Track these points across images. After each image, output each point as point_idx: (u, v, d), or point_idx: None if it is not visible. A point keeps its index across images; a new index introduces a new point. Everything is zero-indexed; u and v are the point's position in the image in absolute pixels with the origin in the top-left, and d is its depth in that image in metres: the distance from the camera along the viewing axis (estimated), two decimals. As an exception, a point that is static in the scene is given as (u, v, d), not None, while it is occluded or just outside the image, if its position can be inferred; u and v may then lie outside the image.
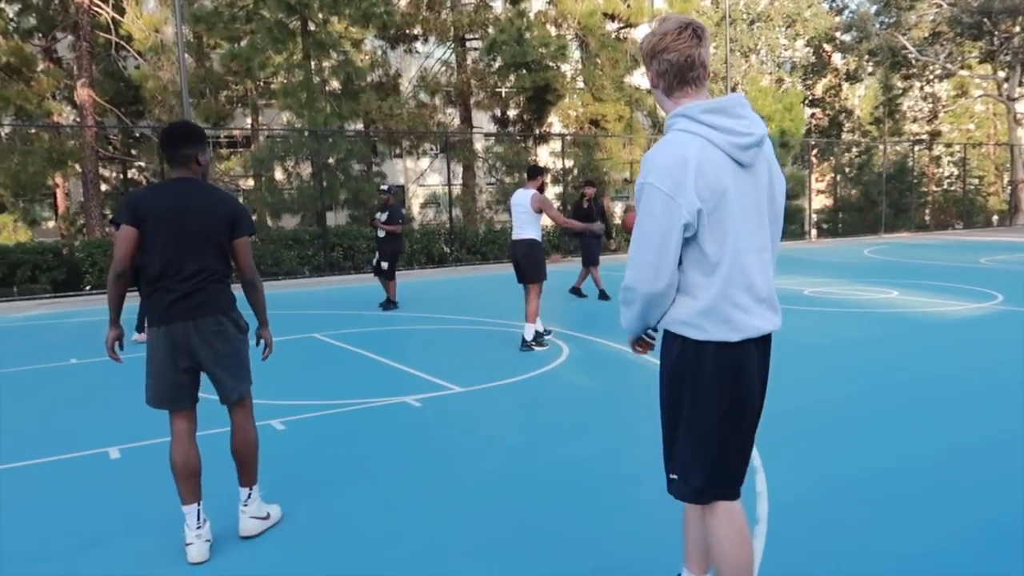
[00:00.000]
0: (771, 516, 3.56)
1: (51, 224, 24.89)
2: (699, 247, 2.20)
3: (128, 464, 4.64)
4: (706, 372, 2.26)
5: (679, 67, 2.24)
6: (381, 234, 11.21)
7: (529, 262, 7.82)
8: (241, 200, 25.92)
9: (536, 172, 8.09)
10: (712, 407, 2.28)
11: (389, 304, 11.39)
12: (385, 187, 11.71)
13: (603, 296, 11.66)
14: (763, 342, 2.34)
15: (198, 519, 3.34)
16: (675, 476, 2.40)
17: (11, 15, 22.50)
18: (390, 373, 6.94)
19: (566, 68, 23.66)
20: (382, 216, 11.21)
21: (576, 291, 12.08)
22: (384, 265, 11.20)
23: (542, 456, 4.58)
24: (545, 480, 4.16)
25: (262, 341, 3.68)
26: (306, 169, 20.22)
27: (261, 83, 22.24)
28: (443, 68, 24.77)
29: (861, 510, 3.63)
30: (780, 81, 34.58)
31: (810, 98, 36.42)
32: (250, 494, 3.57)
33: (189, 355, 3.36)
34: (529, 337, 7.75)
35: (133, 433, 5.21)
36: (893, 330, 8.34)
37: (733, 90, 29.47)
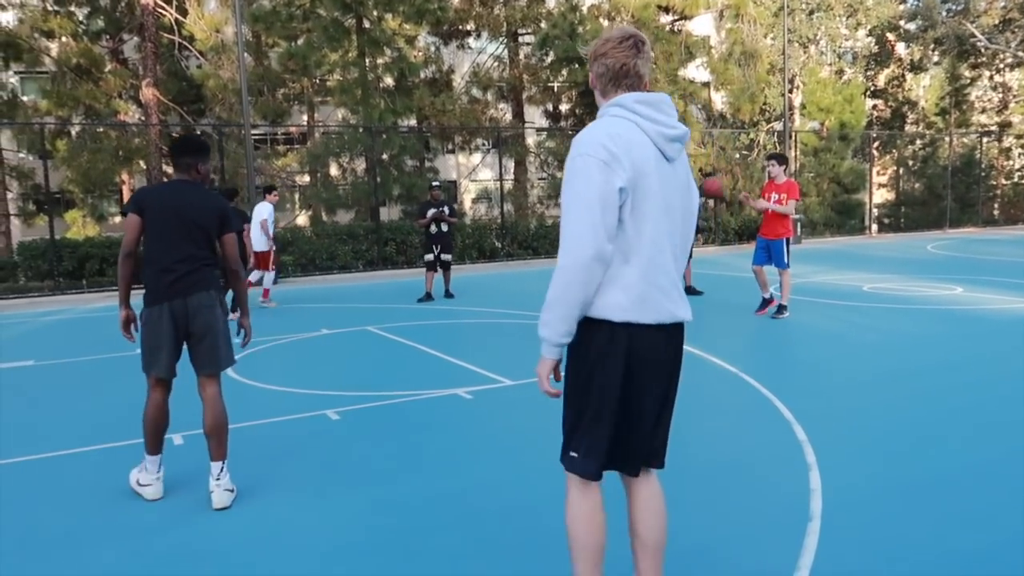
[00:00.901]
0: (824, 513, 3.51)
1: (118, 219, 25.72)
2: (622, 229, 2.27)
3: (189, 449, 4.79)
4: (616, 353, 2.33)
5: (614, 72, 2.39)
6: (445, 228, 11.63)
7: None
8: (297, 196, 26.52)
9: None
10: (615, 387, 2.35)
11: (441, 294, 12.00)
12: (437, 183, 12.01)
13: (691, 292, 11.13)
14: (676, 330, 2.43)
15: (159, 467, 4.04)
16: (575, 454, 2.53)
17: (81, 18, 23.34)
18: (442, 365, 7.01)
19: (619, 62, 23.46)
20: (446, 210, 11.63)
21: (690, 290, 11.21)
22: (449, 257, 11.86)
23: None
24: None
25: (242, 330, 4.12)
26: (360, 165, 20.52)
27: (317, 80, 22.63)
28: (495, 63, 24.82)
29: (917, 510, 3.55)
30: (840, 72, 33.71)
31: (872, 89, 35.43)
32: (222, 467, 3.92)
33: (184, 328, 3.88)
34: None
35: (194, 422, 5.37)
36: (956, 328, 8.09)
37: (791, 82, 28.87)
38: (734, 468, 4.18)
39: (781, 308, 9.09)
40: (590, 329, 2.36)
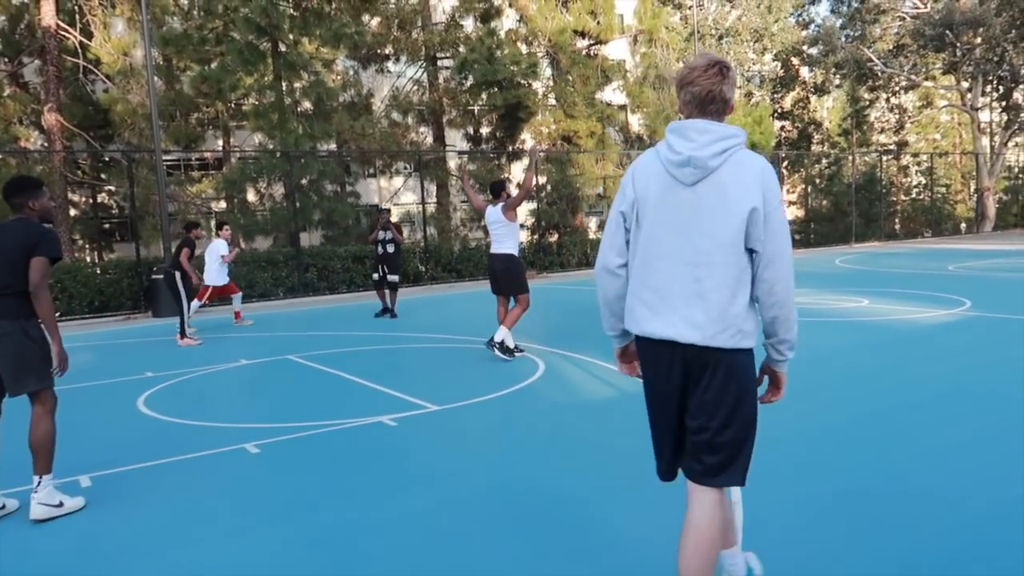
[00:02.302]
0: (746, 531, 3.57)
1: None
2: (629, 248, 2.60)
3: (99, 491, 4.55)
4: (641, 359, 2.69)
5: (700, 99, 2.47)
6: (391, 249, 12.28)
7: (509, 276, 7.96)
8: (212, 223, 25.77)
9: (499, 188, 8.39)
10: (647, 391, 2.68)
11: (389, 313, 12.53)
12: (386, 207, 12.63)
13: None
14: (688, 353, 2.47)
15: None
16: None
17: (-24, 41, 22.27)
18: (365, 393, 6.89)
19: (538, 85, 23.83)
20: (387, 234, 12.30)
21: None
22: (396, 278, 12.44)
23: (520, 473, 4.56)
24: (524, 497, 4.15)
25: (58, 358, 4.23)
26: (279, 190, 20.12)
27: (232, 105, 22.15)
28: (415, 87, 24.84)
29: (840, 522, 3.65)
30: (750, 95, 35.06)
31: (779, 111, 36.94)
32: (39, 482, 4.13)
33: None
34: (498, 339, 7.85)
35: (107, 460, 5.11)
36: (865, 338, 8.44)
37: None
38: (655, 485, 4.21)
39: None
40: None
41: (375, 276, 12.62)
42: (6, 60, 23.47)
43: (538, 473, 4.54)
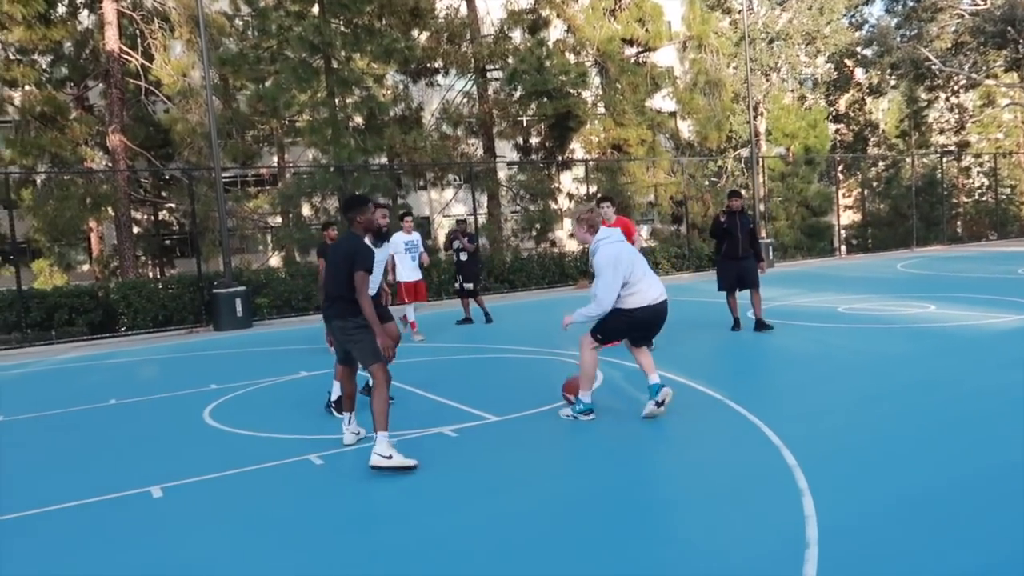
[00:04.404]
0: (821, 540, 3.48)
1: (86, 267, 25.36)
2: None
3: (171, 503, 4.65)
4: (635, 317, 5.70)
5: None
6: (463, 257, 12.55)
7: None
8: (269, 237, 26.21)
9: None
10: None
11: (467, 320, 12.89)
12: (461, 218, 13.56)
13: (760, 326, 9.72)
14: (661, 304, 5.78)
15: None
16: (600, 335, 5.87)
17: (44, 66, 23.16)
18: (425, 404, 6.92)
19: (587, 94, 23.77)
20: (457, 244, 12.60)
21: (761, 324, 9.75)
22: (470, 285, 12.66)
23: (582, 484, 4.52)
24: (588, 509, 4.11)
25: None
26: (332, 204, 20.44)
27: (287, 121, 22.60)
28: (465, 99, 25.01)
29: (913, 530, 3.53)
30: (803, 98, 34.44)
31: (834, 114, 36.22)
32: (377, 437, 4.97)
33: None
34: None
35: (175, 471, 5.23)
36: (932, 345, 8.18)
37: (755, 109, 29.34)
38: (726, 497, 4.14)
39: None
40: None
41: (455, 285, 13.04)
42: (72, 84, 24.36)
43: (600, 485, 4.49)
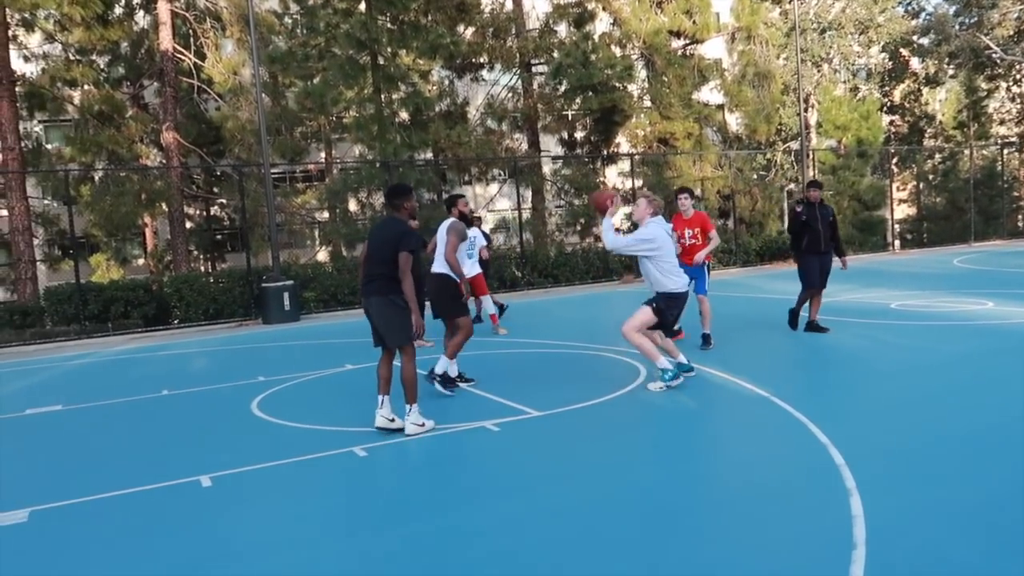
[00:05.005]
0: (869, 540, 3.40)
1: (140, 261, 26.04)
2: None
3: (219, 492, 4.76)
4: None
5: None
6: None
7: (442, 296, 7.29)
8: (316, 232, 26.61)
9: (449, 204, 7.68)
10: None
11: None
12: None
13: (813, 327, 9.20)
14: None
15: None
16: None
17: (102, 66, 23.84)
18: (466, 397, 6.95)
19: (632, 88, 23.55)
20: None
21: (814, 326, 9.22)
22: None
23: (625, 481, 4.49)
24: (630, 506, 4.08)
25: None
26: (378, 199, 20.64)
27: (333, 118, 22.89)
28: (509, 94, 25.01)
29: (964, 534, 3.42)
30: (855, 89, 33.63)
31: (888, 105, 35.30)
32: (410, 408, 5.64)
33: None
34: (439, 370, 7.09)
35: (224, 461, 5.34)
36: (991, 343, 7.92)
37: (806, 101, 28.77)
38: (772, 496, 4.08)
39: (706, 338, 8.69)
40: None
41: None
42: (128, 83, 25.05)
43: (644, 482, 4.45)
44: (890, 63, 35.00)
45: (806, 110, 28.95)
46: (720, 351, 8.39)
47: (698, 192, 24.29)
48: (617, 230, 6.69)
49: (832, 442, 4.86)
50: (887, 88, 35.52)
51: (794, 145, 29.27)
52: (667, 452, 5.05)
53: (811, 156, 26.02)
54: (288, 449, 5.56)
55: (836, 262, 9.34)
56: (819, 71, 32.22)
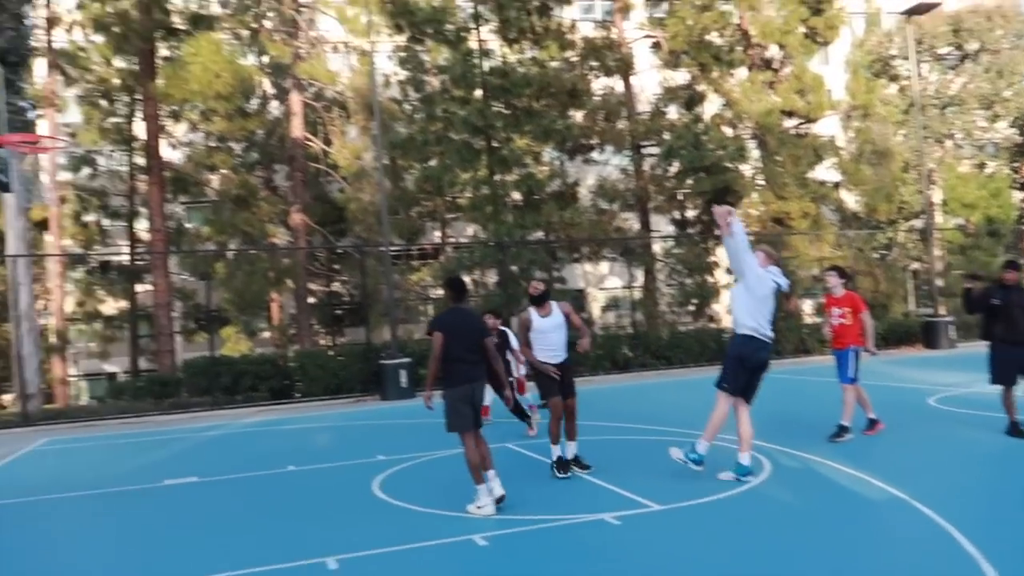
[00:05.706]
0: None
1: (267, 334, 27.40)
2: None
3: (346, 575, 4.88)
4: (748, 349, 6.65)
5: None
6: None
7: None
8: (431, 309, 27.39)
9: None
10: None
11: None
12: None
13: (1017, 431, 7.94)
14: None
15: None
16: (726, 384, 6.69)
17: (238, 151, 25.81)
18: (584, 487, 6.90)
19: (745, 168, 23.42)
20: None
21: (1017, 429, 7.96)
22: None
23: (755, 586, 4.34)
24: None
25: None
26: (491, 278, 21.11)
27: (449, 199, 23.79)
28: (620, 175, 25.33)
29: None
30: (982, 165, 32.17)
31: (1020, 182, 33.52)
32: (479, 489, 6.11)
33: None
34: (553, 457, 7.33)
35: (348, 543, 5.49)
36: None
37: (928, 178, 27.76)
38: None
39: (842, 430, 8.17)
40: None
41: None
42: (261, 167, 26.94)
43: (776, 589, 4.29)
44: (1020, 138, 33.37)
45: (929, 187, 27.90)
46: (852, 445, 8.03)
47: (815, 272, 23.59)
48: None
49: (983, 555, 4.54)
50: (1017, 164, 33.78)
51: (918, 223, 28.15)
52: (797, 556, 4.84)
53: (936, 235, 24.92)
54: (409, 534, 5.67)
55: None
56: (942, 147, 31.08)
